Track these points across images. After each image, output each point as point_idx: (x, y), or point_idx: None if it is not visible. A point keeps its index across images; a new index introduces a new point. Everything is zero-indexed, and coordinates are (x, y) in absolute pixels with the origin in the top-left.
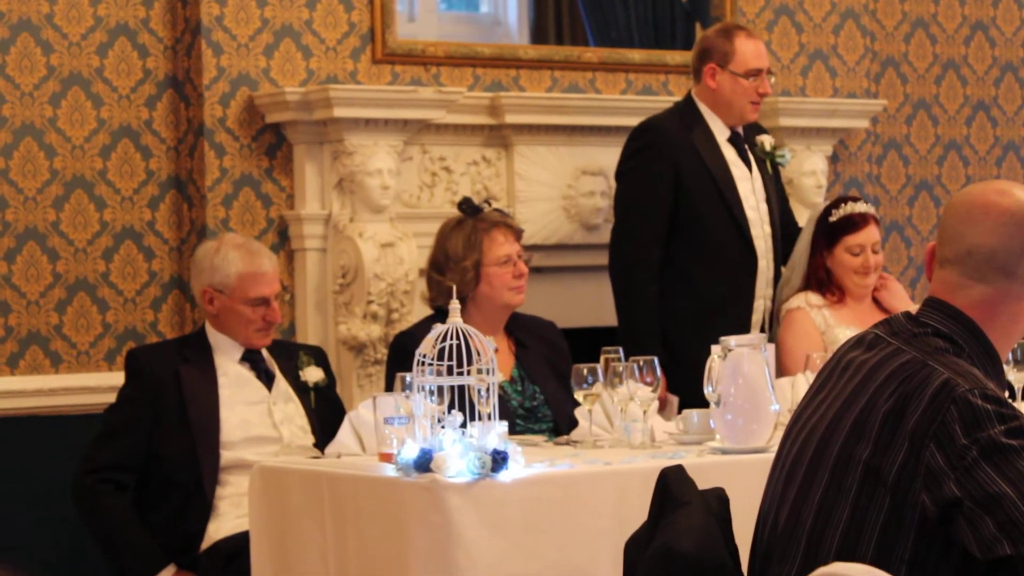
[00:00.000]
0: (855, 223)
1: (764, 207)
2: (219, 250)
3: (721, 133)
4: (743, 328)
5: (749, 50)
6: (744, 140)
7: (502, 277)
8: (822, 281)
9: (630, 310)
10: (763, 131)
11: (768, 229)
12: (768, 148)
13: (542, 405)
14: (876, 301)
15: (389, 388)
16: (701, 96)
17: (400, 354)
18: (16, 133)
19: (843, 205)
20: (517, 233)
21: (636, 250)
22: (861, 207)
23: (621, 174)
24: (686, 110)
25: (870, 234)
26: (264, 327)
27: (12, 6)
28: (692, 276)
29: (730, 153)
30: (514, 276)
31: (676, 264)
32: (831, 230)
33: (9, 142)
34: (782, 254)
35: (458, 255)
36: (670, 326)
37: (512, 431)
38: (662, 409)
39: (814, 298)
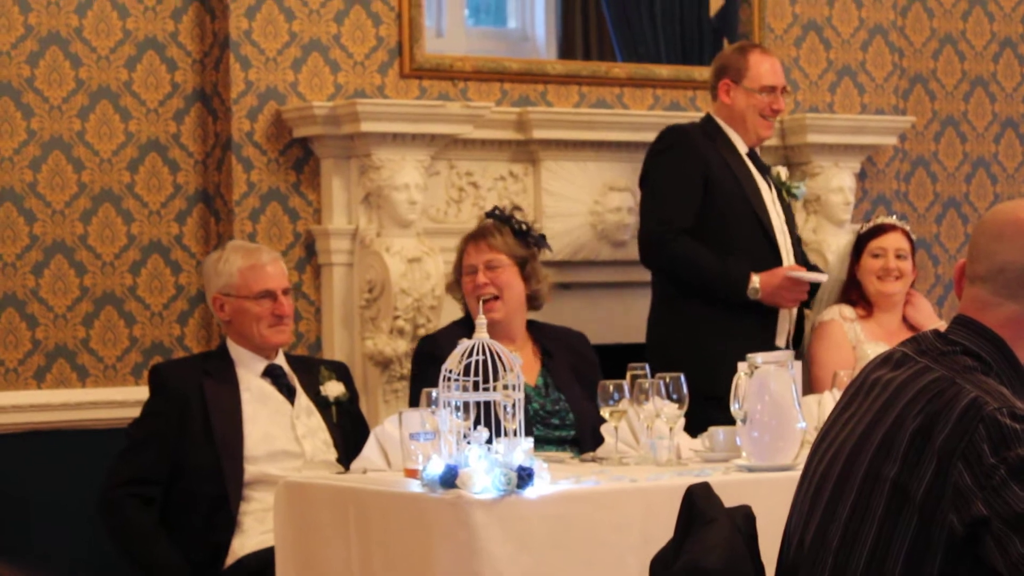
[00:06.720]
0: (882, 229)
1: (783, 216)
2: (222, 256)
3: (741, 147)
4: (768, 330)
5: (763, 67)
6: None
7: (466, 286)
8: (854, 294)
9: (690, 266)
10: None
11: (789, 240)
12: (783, 179)
13: (565, 411)
14: (905, 318)
15: (414, 392)
16: (719, 113)
17: (425, 358)
18: (44, 146)
19: (875, 218)
20: (494, 242)
21: (667, 214)
22: (892, 220)
23: (647, 171)
24: (707, 125)
25: (894, 239)
26: (275, 322)
27: (41, 19)
28: None
29: (751, 166)
30: (475, 285)
31: None
32: (860, 240)
33: (37, 155)
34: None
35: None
36: (693, 325)
37: (528, 434)
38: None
39: (847, 311)
